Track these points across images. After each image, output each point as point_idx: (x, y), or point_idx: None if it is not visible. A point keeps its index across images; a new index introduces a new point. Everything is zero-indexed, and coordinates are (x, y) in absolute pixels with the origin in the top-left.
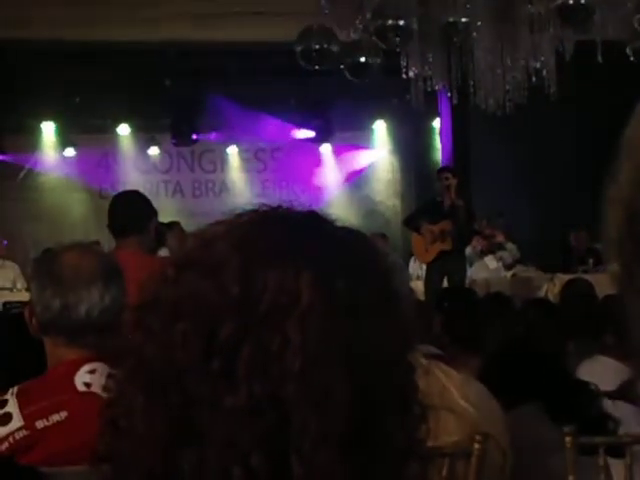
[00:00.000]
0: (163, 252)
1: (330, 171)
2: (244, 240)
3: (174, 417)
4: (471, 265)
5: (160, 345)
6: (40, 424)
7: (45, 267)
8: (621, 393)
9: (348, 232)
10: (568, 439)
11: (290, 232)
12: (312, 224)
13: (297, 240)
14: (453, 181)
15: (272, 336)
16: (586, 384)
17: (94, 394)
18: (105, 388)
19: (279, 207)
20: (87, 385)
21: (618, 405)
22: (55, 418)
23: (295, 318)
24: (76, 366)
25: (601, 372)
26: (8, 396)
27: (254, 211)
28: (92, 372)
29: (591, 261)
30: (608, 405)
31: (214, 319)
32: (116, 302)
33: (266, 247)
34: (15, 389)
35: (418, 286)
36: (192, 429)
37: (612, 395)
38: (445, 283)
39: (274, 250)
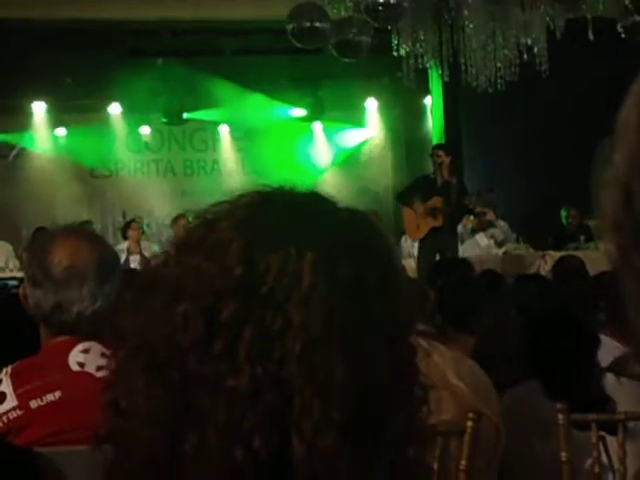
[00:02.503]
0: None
1: (321, 149)
2: (246, 221)
3: (175, 398)
4: (462, 243)
5: (161, 326)
6: (34, 404)
7: (38, 260)
8: (613, 369)
9: (351, 213)
10: (561, 416)
11: (293, 213)
12: (315, 205)
13: (300, 221)
14: (446, 159)
15: (274, 317)
16: (588, 362)
17: (88, 374)
18: (106, 368)
19: (281, 188)
20: (81, 365)
21: (620, 381)
22: (49, 398)
23: (297, 299)
24: (70, 346)
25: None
26: (2, 375)
27: (256, 192)
28: (86, 352)
29: (582, 238)
30: (610, 381)
31: (216, 300)
32: (109, 300)
33: (268, 228)
34: (9, 369)
35: (410, 264)
36: (194, 410)
37: (614, 369)
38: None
39: (277, 231)
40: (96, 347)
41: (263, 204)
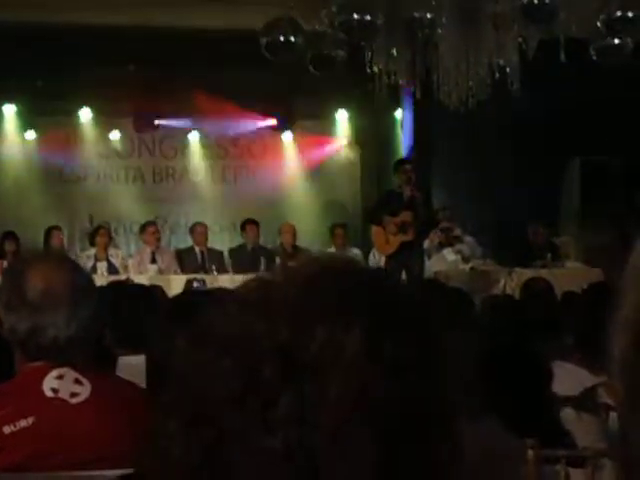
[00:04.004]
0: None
1: (291, 160)
2: (302, 288)
3: (209, 448)
4: (429, 258)
5: (205, 377)
6: (7, 429)
7: (13, 285)
8: (582, 403)
9: (408, 294)
10: (530, 452)
11: (350, 287)
12: (374, 282)
13: (355, 296)
14: (412, 173)
15: (312, 386)
16: (547, 394)
17: (61, 400)
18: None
19: (343, 260)
20: (55, 391)
21: (582, 416)
22: (22, 424)
23: (338, 372)
24: (44, 371)
25: (561, 378)
26: None
27: (318, 261)
28: (60, 378)
29: (549, 255)
30: (570, 416)
31: (259, 359)
32: (83, 325)
33: (322, 298)
34: None
35: None
36: (224, 463)
37: (573, 403)
38: (404, 275)
39: (328, 302)
40: (70, 373)
41: (321, 274)
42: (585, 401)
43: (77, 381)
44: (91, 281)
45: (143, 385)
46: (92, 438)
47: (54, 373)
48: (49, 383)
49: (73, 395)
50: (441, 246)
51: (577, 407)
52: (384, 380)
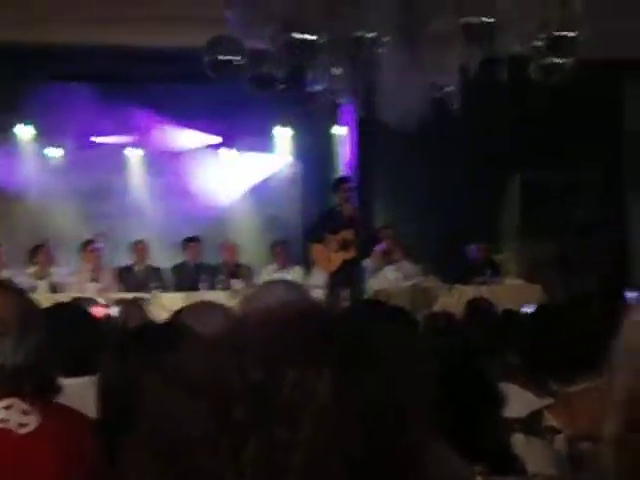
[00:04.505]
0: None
1: (232, 177)
2: (275, 331)
3: None
4: (370, 276)
5: (176, 416)
6: None
7: None
8: (529, 426)
9: (374, 336)
10: (479, 478)
11: (320, 333)
12: (341, 326)
13: (325, 341)
14: (352, 192)
15: (281, 430)
16: (496, 418)
17: (9, 430)
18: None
19: (318, 306)
20: (3, 421)
21: (530, 441)
22: None
23: (307, 415)
24: None
25: (507, 400)
26: None
27: (293, 306)
28: (8, 408)
29: (489, 272)
30: (519, 440)
31: (229, 402)
32: (31, 353)
33: (294, 342)
34: None
35: (318, 295)
36: None
37: (521, 426)
38: (346, 293)
39: (301, 346)
40: (18, 404)
41: (294, 319)
42: (532, 424)
43: (25, 412)
44: (38, 308)
45: (89, 408)
46: (40, 470)
47: (2, 403)
48: None
49: (21, 426)
50: (382, 264)
51: (525, 431)
52: (354, 423)
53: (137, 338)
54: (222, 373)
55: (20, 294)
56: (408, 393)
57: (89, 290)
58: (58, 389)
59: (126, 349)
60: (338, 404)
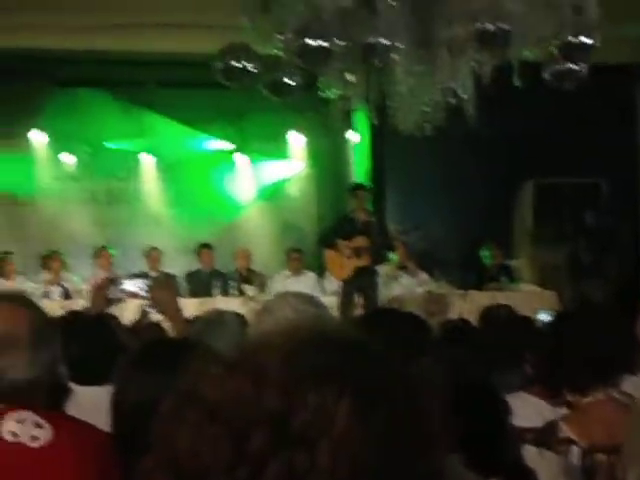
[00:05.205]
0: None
1: (245, 182)
2: (293, 356)
3: None
4: (384, 282)
5: (192, 441)
6: None
7: None
8: (543, 438)
9: (395, 364)
10: None
11: (340, 357)
12: (363, 352)
13: (345, 365)
14: (366, 198)
15: (301, 456)
16: (509, 431)
17: (22, 444)
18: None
19: (335, 329)
20: (15, 435)
21: (543, 454)
22: None
23: (327, 442)
24: (3, 414)
25: (521, 410)
26: None
27: (310, 329)
28: (20, 421)
29: (504, 278)
30: (532, 453)
31: (247, 427)
32: (44, 367)
33: (312, 367)
34: None
35: (332, 302)
36: None
37: (534, 438)
38: (359, 299)
39: (320, 371)
40: (31, 417)
41: (313, 342)
42: (546, 435)
43: (38, 425)
44: (51, 321)
45: (104, 418)
46: None
47: (14, 416)
48: (8, 426)
49: (34, 439)
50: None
51: (537, 443)
52: (374, 449)
53: (153, 353)
54: (240, 398)
55: (33, 307)
56: (430, 417)
57: None
58: (66, 395)
59: (141, 364)
60: (359, 429)
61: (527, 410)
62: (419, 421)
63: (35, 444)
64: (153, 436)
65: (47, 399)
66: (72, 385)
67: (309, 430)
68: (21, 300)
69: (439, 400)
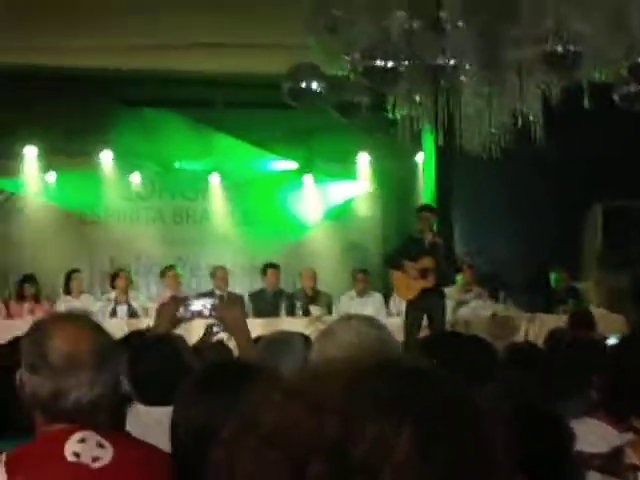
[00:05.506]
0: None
1: (312, 202)
2: (355, 384)
3: None
4: (453, 304)
5: (251, 467)
6: None
7: (37, 347)
8: (608, 465)
9: (458, 392)
10: None
11: (401, 385)
12: (425, 381)
13: (406, 395)
14: (433, 219)
15: None
16: (573, 459)
17: (83, 465)
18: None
19: (398, 359)
20: (76, 455)
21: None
22: None
23: (388, 472)
24: (66, 435)
25: (586, 435)
26: None
27: (372, 359)
28: (82, 441)
29: (571, 301)
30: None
31: (306, 455)
32: (107, 387)
33: (374, 396)
34: (4, 456)
35: (397, 323)
36: None
37: (599, 465)
38: (425, 321)
39: (381, 401)
40: (93, 437)
41: (374, 370)
42: (612, 462)
43: (100, 445)
44: (115, 342)
45: (166, 439)
46: None
47: (77, 436)
48: (71, 446)
49: (95, 459)
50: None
51: (603, 470)
52: (436, 479)
53: (215, 375)
54: (299, 424)
55: (96, 328)
56: (493, 445)
57: None
58: (125, 413)
59: (203, 386)
60: (419, 460)
61: (592, 436)
62: (482, 449)
63: (96, 464)
64: (212, 460)
65: (110, 419)
66: (137, 405)
67: (370, 460)
68: (85, 321)
69: (503, 426)
